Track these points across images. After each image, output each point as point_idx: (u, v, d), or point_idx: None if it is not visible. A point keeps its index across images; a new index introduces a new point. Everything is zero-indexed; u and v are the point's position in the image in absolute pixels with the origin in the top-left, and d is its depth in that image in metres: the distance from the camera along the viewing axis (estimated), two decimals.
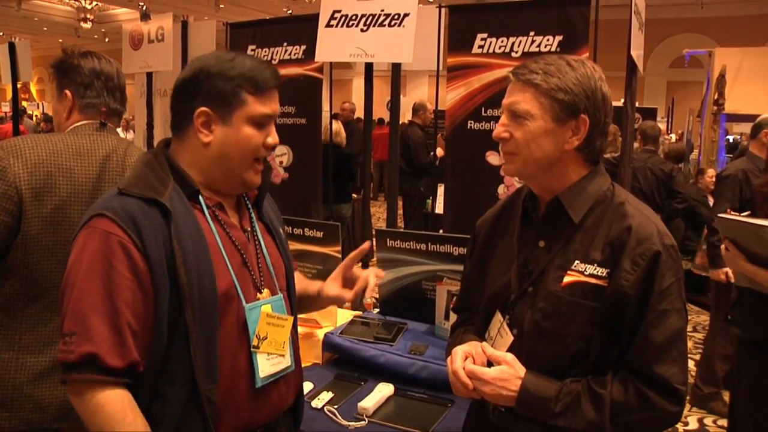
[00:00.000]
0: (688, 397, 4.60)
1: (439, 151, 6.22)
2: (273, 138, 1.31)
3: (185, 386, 1.21)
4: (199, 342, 1.20)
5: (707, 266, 3.95)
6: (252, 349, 1.30)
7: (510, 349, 1.36)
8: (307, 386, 2.02)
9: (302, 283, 1.66)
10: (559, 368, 1.29)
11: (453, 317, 2.05)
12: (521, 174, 1.37)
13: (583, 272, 1.27)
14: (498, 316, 1.40)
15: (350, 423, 1.82)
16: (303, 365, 2.14)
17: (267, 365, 1.32)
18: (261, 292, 1.34)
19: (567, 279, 1.28)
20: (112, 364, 1.14)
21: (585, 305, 1.26)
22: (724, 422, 3.74)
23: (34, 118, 15.93)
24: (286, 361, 1.38)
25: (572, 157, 1.31)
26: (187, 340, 1.20)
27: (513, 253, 1.39)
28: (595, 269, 1.26)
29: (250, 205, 1.42)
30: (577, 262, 1.28)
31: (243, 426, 1.30)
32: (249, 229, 1.38)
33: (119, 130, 1.97)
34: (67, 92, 1.82)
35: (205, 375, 1.21)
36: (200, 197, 1.29)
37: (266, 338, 1.32)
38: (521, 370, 1.30)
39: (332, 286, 1.56)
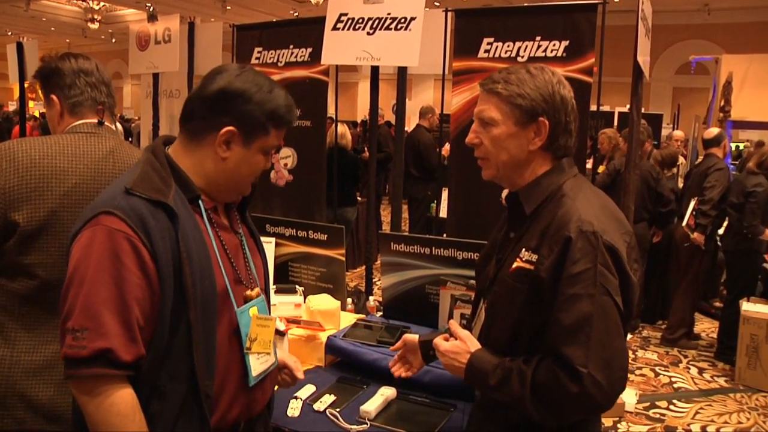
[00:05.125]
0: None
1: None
2: (269, 161, 1.42)
3: (185, 383, 1.24)
4: (201, 340, 1.25)
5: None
6: (245, 351, 1.37)
7: (481, 329, 1.48)
8: (310, 389, 2.02)
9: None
10: (504, 347, 1.38)
11: (456, 321, 2.06)
12: (496, 177, 1.48)
13: (521, 258, 1.36)
14: (482, 299, 1.53)
15: (352, 426, 1.82)
16: (305, 368, 2.15)
17: (258, 364, 1.40)
18: (252, 290, 1.41)
19: (514, 265, 1.37)
20: (124, 358, 1.17)
21: (520, 288, 1.34)
22: (728, 429, 3.73)
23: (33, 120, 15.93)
24: (271, 358, 1.46)
25: (539, 155, 1.41)
26: (189, 338, 1.23)
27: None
28: (530, 255, 1.34)
29: (235, 209, 1.48)
30: (523, 249, 1.37)
31: (232, 420, 1.36)
32: (239, 231, 1.45)
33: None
34: (53, 97, 1.81)
35: (205, 372, 1.26)
36: (200, 201, 1.34)
37: (256, 339, 1.39)
38: (473, 346, 1.42)
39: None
